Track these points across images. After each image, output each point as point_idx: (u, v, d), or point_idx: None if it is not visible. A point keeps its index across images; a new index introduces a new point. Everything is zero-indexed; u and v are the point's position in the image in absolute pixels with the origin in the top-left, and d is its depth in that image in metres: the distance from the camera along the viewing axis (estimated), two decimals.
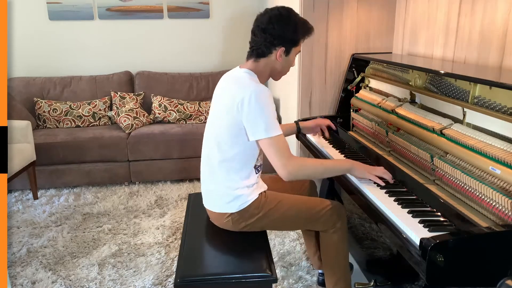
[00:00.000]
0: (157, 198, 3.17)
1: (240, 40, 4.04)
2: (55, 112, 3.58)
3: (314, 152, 2.07)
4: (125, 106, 3.59)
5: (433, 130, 1.52)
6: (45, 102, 3.59)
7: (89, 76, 3.82)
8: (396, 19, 2.49)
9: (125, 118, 3.47)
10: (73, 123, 3.61)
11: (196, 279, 1.44)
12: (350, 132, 2.15)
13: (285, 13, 1.59)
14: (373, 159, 1.79)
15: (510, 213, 1.14)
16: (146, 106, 3.78)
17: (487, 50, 1.74)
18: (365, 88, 2.26)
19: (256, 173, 1.66)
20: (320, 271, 2.06)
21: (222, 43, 4.09)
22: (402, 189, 1.51)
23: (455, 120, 1.50)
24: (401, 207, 1.36)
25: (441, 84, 1.60)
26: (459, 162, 1.38)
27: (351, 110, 2.25)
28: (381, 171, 1.58)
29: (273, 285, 1.54)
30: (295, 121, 2.12)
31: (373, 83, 2.19)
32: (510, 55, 1.61)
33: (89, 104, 3.66)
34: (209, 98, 3.88)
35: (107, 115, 3.69)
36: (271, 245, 2.44)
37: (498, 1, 1.66)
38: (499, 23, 1.66)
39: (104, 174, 3.37)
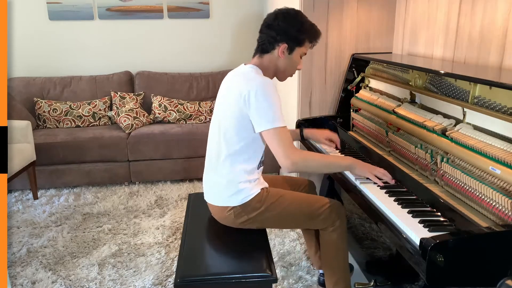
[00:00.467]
0: (157, 198, 3.17)
1: (240, 40, 4.04)
2: (55, 112, 3.58)
3: (312, 150, 2.07)
4: (125, 106, 3.59)
5: (433, 130, 1.52)
6: (45, 102, 3.59)
7: (89, 76, 3.82)
8: (396, 19, 2.49)
9: (125, 118, 3.47)
10: (73, 123, 3.61)
11: (196, 279, 1.44)
12: (350, 132, 2.15)
13: (293, 12, 1.62)
14: (373, 159, 1.79)
15: (510, 213, 1.14)
16: (146, 106, 3.78)
17: (487, 50, 1.74)
18: (365, 88, 2.26)
19: (258, 169, 1.68)
20: (321, 271, 2.06)
21: (222, 43, 4.09)
22: (402, 189, 1.51)
23: (455, 120, 1.50)
24: (401, 207, 1.36)
25: (441, 84, 1.60)
26: (459, 162, 1.38)
27: (351, 110, 2.25)
28: (381, 171, 1.59)
29: (273, 285, 1.54)
30: (298, 121, 2.12)
31: (373, 83, 2.19)
32: (510, 55, 1.61)
33: (89, 104, 3.66)
34: (209, 98, 3.88)
35: (107, 115, 3.69)
36: (271, 245, 2.44)
37: (498, 1, 1.66)
38: (499, 23, 1.66)
39: (104, 174, 3.37)
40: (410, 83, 1.82)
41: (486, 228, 1.12)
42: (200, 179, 3.51)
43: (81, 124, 3.62)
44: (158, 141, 3.35)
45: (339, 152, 2.02)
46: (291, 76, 1.73)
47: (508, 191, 1.16)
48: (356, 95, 2.24)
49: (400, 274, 1.80)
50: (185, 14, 3.97)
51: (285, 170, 1.55)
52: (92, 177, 3.36)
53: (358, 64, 2.34)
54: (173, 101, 3.73)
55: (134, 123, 3.48)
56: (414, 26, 2.29)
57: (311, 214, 1.68)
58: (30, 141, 3.08)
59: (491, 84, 1.32)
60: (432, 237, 1.07)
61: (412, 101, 1.82)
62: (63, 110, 3.59)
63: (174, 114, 3.66)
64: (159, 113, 3.67)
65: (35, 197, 3.18)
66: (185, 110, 3.69)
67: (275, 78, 1.72)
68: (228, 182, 1.62)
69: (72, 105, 3.62)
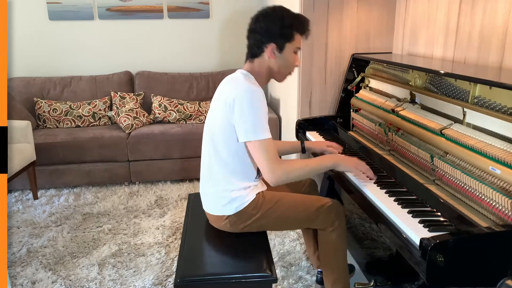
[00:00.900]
0: (157, 198, 3.17)
1: (240, 40, 4.04)
2: (55, 112, 3.58)
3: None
4: (125, 106, 3.59)
5: (433, 130, 1.52)
6: (45, 102, 3.59)
7: (89, 76, 3.82)
8: (396, 19, 2.49)
9: (125, 118, 3.47)
10: (73, 123, 3.61)
11: (196, 279, 1.44)
12: (350, 132, 2.15)
13: (271, 10, 1.56)
14: (373, 159, 1.79)
15: (510, 213, 1.14)
16: (146, 106, 3.78)
17: (487, 50, 1.74)
18: (365, 88, 2.26)
19: (256, 176, 1.65)
20: (319, 269, 2.06)
21: (222, 43, 4.09)
22: (402, 189, 1.51)
23: (455, 120, 1.50)
24: (401, 207, 1.36)
25: (441, 84, 1.60)
26: (459, 162, 1.38)
27: (351, 110, 2.25)
28: (364, 167, 1.59)
29: (273, 285, 1.54)
30: (298, 121, 2.09)
31: (373, 83, 2.19)
32: (510, 55, 1.61)
33: (89, 104, 3.66)
34: (209, 98, 3.88)
35: (107, 115, 3.69)
36: (271, 245, 2.44)
37: (498, 1, 1.66)
38: (499, 23, 1.66)
39: (104, 174, 3.37)
40: (410, 83, 1.82)
41: (486, 228, 1.12)
42: (200, 179, 3.50)
43: (81, 124, 3.62)
44: (158, 141, 3.35)
45: (327, 141, 2.03)
46: (290, 74, 1.66)
47: (508, 191, 1.16)
48: (356, 95, 2.24)
49: (400, 274, 1.80)
50: (185, 14, 3.97)
51: (270, 184, 1.52)
52: (92, 177, 3.36)
53: (358, 64, 2.34)
54: (173, 101, 3.73)
55: (134, 123, 3.48)
56: (414, 26, 2.29)
57: (309, 216, 1.67)
58: (30, 141, 3.08)
59: (491, 84, 1.32)
60: (432, 237, 1.07)
61: (412, 101, 1.82)
62: (63, 110, 3.59)
63: (174, 114, 3.66)
64: (159, 113, 3.67)
65: (35, 197, 3.18)
66: (185, 110, 3.69)
67: (272, 81, 1.69)
68: (222, 191, 1.60)
69: (72, 105, 3.62)
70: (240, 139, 1.50)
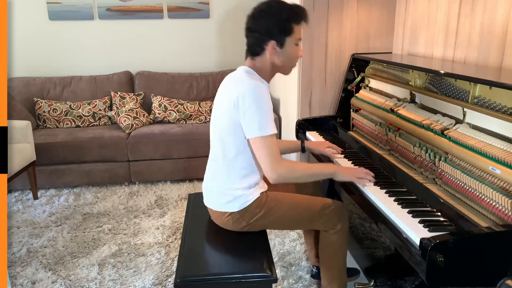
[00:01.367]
0: (157, 198, 3.17)
1: (240, 40, 4.01)
2: (55, 112, 3.58)
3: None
4: (125, 106, 3.59)
5: (433, 130, 1.52)
6: (45, 102, 3.59)
7: (89, 76, 3.82)
8: (396, 19, 2.49)
9: (125, 118, 3.47)
10: (73, 123, 3.61)
11: (196, 279, 1.44)
12: (350, 132, 2.15)
13: (266, 6, 1.53)
14: (373, 159, 1.79)
15: (510, 213, 1.14)
16: (146, 106, 3.78)
17: (487, 50, 1.74)
18: (365, 88, 2.26)
19: (260, 173, 1.65)
20: (315, 265, 2.05)
21: (222, 43, 4.09)
22: (402, 189, 1.51)
23: (455, 120, 1.50)
24: (401, 207, 1.36)
25: (441, 84, 1.59)
26: (459, 162, 1.38)
27: (351, 110, 2.25)
28: (363, 172, 1.59)
29: (273, 285, 1.54)
30: (298, 121, 2.09)
31: (373, 83, 2.19)
32: (510, 55, 1.61)
33: (89, 104, 3.66)
34: (209, 98, 3.88)
35: (107, 115, 3.69)
36: (271, 245, 2.44)
37: (498, 1, 1.66)
38: (499, 23, 1.66)
39: (104, 174, 3.37)
40: (410, 83, 1.82)
41: (486, 228, 1.12)
42: (200, 179, 3.50)
43: (81, 124, 3.62)
44: (158, 141, 3.35)
45: (343, 155, 2.03)
46: (295, 66, 1.64)
47: (508, 191, 1.16)
48: (356, 95, 2.24)
49: (400, 274, 1.80)
50: (185, 14, 3.97)
51: (270, 181, 1.52)
52: (92, 177, 3.36)
53: (358, 64, 2.34)
54: (173, 101, 3.73)
55: (134, 123, 3.48)
56: (414, 26, 2.29)
57: (311, 218, 1.66)
58: (30, 141, 3.08)
59: (491, 84, 1.32)
60: (432, 237, 1.07)
61: (412, 101, 1.82)
62: (63, 110, 3.59)
63: (174, 114, 3.66)
64: (159, 113, 3.67)
65: (35, 197, 3.18)
66: (185, 110, 3.69)
67: (272, 81, 1.68)
68: (226, 188, 1.60)
69: (72, 105, 3.62)
70: (247, 136, 1.50)
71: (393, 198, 1.43)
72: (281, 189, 1.77)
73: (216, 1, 3.98)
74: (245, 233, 1.67)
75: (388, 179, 1.60)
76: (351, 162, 1.81)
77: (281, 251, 2.40)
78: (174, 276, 1.61)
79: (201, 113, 3.72)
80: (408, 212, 1.31)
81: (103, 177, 3.38)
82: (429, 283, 1.07)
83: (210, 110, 3.74)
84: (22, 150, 2.94)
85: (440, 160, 1.44)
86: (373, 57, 2.20)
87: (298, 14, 1.54)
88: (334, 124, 2.30)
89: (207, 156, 1.73)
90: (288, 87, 2.97)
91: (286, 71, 1.64)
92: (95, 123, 3.66)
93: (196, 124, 3.63)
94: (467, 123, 1.44)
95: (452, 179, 1.38)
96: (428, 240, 1.06)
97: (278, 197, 1.66)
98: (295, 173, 1.53)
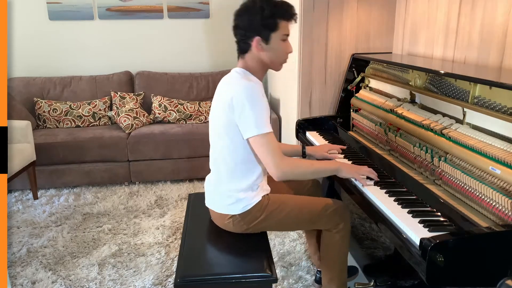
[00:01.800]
0: (157, 198, 3.17)
1: None
2: (55, 112, 3.58)
3: None
4: (125, 106, 3.59)
5: (433, 130, 1.52)
6: (45, 102, 3.59)
7: (89, 76, 3.82)
8: (396, 19, 2.49)
9: (125, 118, 3.47)
10: (73, 123, 3.61)
11: (196, 279, 1.44)
12: (350, 132, 2.15)
13: (250, 2, 1.53)
14: (373, 159, 1.79)
15: (510, 213, 1.14)
16: (146, 106, 3.78)
17: (487, 50, 1.74)
18: (365, 88, 2.26)
19: (262, 175, 1.65)
20: (319, 269, 2.06)
21: (222, 43, 4.09)
22: (402, 189, 1.51)
23: (455, 120, 1.50)
24: (401, 207, 1.36)
25: (441, 84, 1.59)
26: (459, 162, 1.38)
27: (351, 110, 2.25)
28: (366, 170, 1.58)
29: (273, 285, 1.54)
30: (298, 121, 2.09)
31: (373, 83, 2.19)
32: (510, 55, 1.61)
33: (89, 104, 3.66)
34: (209, 98, 3.88)
35: (107, 115, 3.69)
36: (271, 245, 2.44)
37: (498, 1, 1.66)
38: (499, 23, 1.66)
39: (104, 174, 3.37)
40: (410, 83, 1.82)
41: (486, 228, 1.12)
42: (200, 179, 3.51)
43: (81, 124, 3.62)
44: (158, 141, 3.35)
45: (327, 142, 2.06)
46: (285, 62, 1.62)
47: (508, 191, 1.16)
48: (356, 95, 2.24)
49: (400, 274, 1.80)
50: (185, 14, 3.97)
51: (274, 178, 1.52)
52: (92, 177, 3.36)
53: (358, 64, 2.34)
54: (173, 101, 3.72)
55: (134, 123, 3.48)
56: (414, 26, 2.29)
57: (312, 219, 1.66)
58: (30, 141, 3.08)
59: (491, 84, 1.32)
60: (432, 237, 1.07)
61: (412, 101, 1.82)
62: (63, 110, 3.59)
63: (174, 114, 3.66)
64: (159, 113, 3.67)
65: (35, 197, 3.18)
66: (185, 110, 3.69)
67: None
68: (228, 190, 1.60)
69: (72, 105, 3.62)
70: (245, 136, 1.49)
71: (393, 198, 1.43)
72: (282, 190, 1.76)
73: (216, 1, 3.98)
74: (245, 233, 1.66)
75: (388, 179, 1.60)
76: (351, 162, 1.80)
77: (281, 251, 2.40)
78: (174, 276, 1.61)
79: (201, 113, 3.72)
80: (408, 212, 1.31)
81: (103, 177, 3.38)
82: (429, 283, 1.07)
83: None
84: (22, 150, 2.94)
85: (440, 160, 1.44)
86: (373, 57, 2.20)
87: (283, 10, 1.52)
88: (334, 124, 2.29)
89: (207, 156, 1.73)
90: (288, 87, 2.97)
91: (275, 67, 1.62)
92: (95, 123, 3.66)
93: (196, 124, 3.63)
94: (467, 123, 1.44)
95: (452, 179, 1.38)
96: (428, 240, 1.06)
97: (280, 199, 1.66)
98: (298, 169, 1.53)
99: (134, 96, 3.71)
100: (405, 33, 2.39)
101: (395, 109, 1.80)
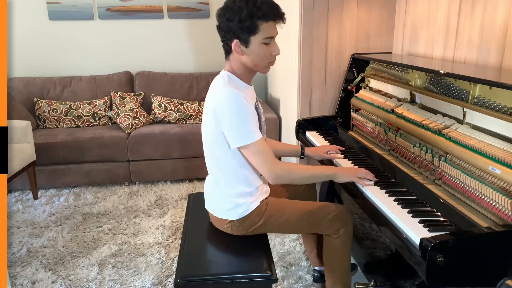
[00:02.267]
0: (157, 198, 3.17)
1: None
2: (55, 112, 3.58)
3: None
4: (125, 106, 3.59)
5: (433, 130, 1.52)
6: (45, 102, 3.59)
7: (89, 76, 3.82)
8: (396, 19, 2.49)
9: (125, 118, 3.47)
10: (73, 123, 3.61)
11: (196, 279, 1.44)
12: (350, 132, 2.15)
13: (231, 2, 1.43)
14: (373, 159, 1.79)
15: (510, 213, 1.14)
16: (146, 106, 3.78)
17: (487, 50, 1.74)
18: (365, 88, 2.26)
19: (260, 177, 1.64)
20: (316, 267, 2.05)
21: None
22: (402, 189, 1.51)
23: (455, 120, 1.50)
24: (401, 207, 1.36)
25: (441, 84, 1.59)
26: (459, 162, 1.38)
27: (351, 110, 2.25)
28: (363, 172, 1.57)
29: (273, 285, 1.54)
30: (298, 121, 2.09)
31: (373, 83, 2.19)
32: (510, 55, 1.61)
33: (89, 104, 3.66)
34: None
35: (107, 115, 3.69)
36: (271, 245, 2.44)
37: (498, 1, 1.66)
38: (499, 23, 1.66)
39: (104, 174, 3.37)
40: (410, 83, 1.82)
41: (486, 228, 1.12)
42: (200, 179, 3.51)
43: (81, 124, 3.62)
44: (158, 141, 3.35)
45: (328, 142, 2.06)
46: (272, 64, 1.52)
47: (508, 191, 1.16)
48: (356, 95, 2.24)
49: (400, 274, 1.80)
50: (185, 14, 3.97)
51: (270, 182, 1.51)
52: (92, 177, 3.36)
53: (358, 64, 2.34)
54: (173, 101, 3.73)
55: (134, 123, 3.48)
56: (414, 26, 2.29)
57: (312, 225, 1.65)
58: (30, 141, 3.08)
59: (491, 84, 1.32)
60: (432, 237, 1.07)
61: (412, 101, 1.82)
62: (63, 110, 3.59)
63: (174, 114, 3.66)
64: (159, 113, 3.67)
65: (35, 197, 3.18)
66: (185, 110, 3.69)
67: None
68: (226, 195, 1.59)
69: (72, 105, 3.62)
70: (232, 146, 1.47)
71: (393, 198, 1.43)
72: (278, 194, 1.75)
73: (216, 1, 3.98)
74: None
75: (388, 179, 1.60)
76: (351, 162, 1.80)
77: (281, 251, 2.40)
78: (174, 276, 1.61)
79: (201, 113, 3.71)
80: (408, 212, 1.31)
81: (103, 177, 3.38)
82: (429, 283, 1.07)
83: None
84: (22, 150, 2.94)
85: (440, 160, 1.44)
86: (373, 57, 2.20)
87: (263, 11, 1.39)
88: (334, 124, 2.29)
89: None
90: (288, 87, 2.97)
91: (260, 69, 1.53)
92: (95, 123, 3.66)
93: (196, 124, 3.63)
94: (467, 123, 1.44)
95: (452, 179, 1.38)
96: (428, 240, 1.06)
97: (278, 204, 1.64)
98: (294, 173, 1.52)
99: (134, 96, 3.71)
100: (405, 33, 2.39)
101: (395, 109, 1.80)
